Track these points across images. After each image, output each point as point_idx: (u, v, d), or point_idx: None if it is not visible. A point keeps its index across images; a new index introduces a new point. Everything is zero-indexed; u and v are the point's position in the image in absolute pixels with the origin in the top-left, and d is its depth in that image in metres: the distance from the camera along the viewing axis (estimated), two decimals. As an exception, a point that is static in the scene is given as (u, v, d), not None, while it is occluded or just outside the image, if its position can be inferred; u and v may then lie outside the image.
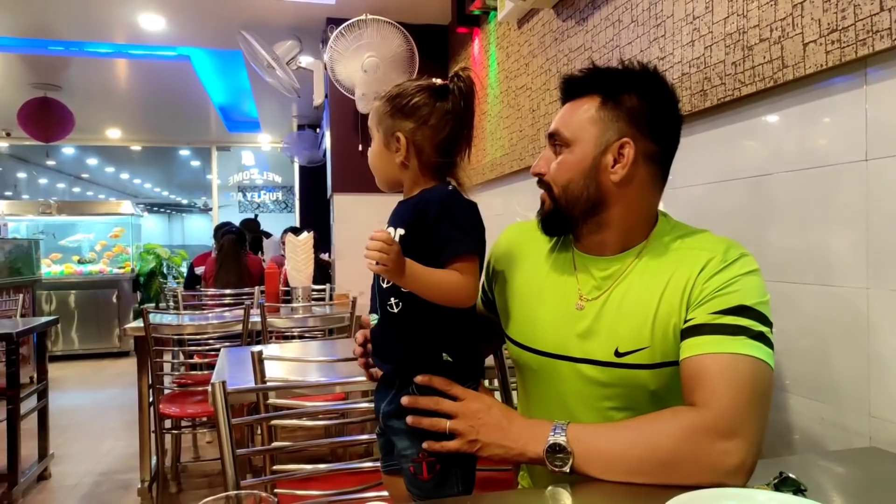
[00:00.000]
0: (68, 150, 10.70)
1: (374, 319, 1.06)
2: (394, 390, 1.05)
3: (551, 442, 0.91)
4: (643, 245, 1.06)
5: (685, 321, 0.97)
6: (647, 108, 1.03)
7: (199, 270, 5.06)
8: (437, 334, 1.03)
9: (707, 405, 0.88)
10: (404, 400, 1.01)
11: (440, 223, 1.01)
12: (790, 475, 0.84)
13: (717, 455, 0.85)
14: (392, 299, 1.02)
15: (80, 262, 7.55)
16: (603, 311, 1.03)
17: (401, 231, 1.03)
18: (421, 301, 1.00)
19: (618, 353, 1.01)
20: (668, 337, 0.99)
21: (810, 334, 1.31)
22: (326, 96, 4.25)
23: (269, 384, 1.60)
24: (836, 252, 1.24)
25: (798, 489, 0.83)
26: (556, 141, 1.07)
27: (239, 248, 4.52)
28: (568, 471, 0.89)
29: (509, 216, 3.07)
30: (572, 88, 1.08)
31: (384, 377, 1.09)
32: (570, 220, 1.07)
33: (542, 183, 1.10)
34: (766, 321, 0.94)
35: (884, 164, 1.14)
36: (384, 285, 1.03)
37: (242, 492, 0.61)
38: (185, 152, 11.59)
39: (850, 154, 1.20)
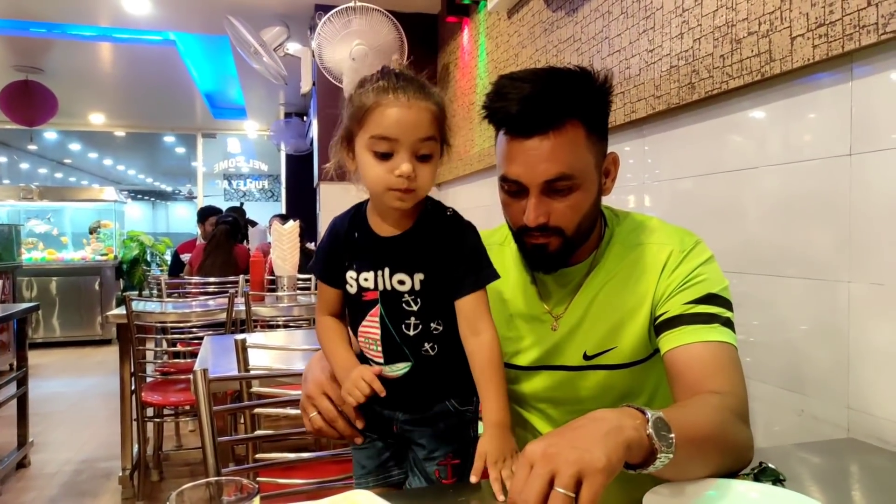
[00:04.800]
0: (50, 135, 10.54)
1: (400, 369, 0.93)
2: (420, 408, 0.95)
3: (654, 416, 0.71)
4: (598, 248, 1.06)
5: (658, 315, 0.99)
6: (606, 112, 1.01)
7: (185, 257, 5.02)
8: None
9: (732, 393, 0.88)
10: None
11: (477, 247, 0.93)
12: (769, 465, 0.85)
13: (749, 440, 0.87)
14: (426, 344, 0.92)
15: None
16: (571, 320, 1.05)
17: (419, 276, 0.91)
18: (455, 334, 0.92)
19: (586, 357, 1.04)
20: (636, 335, 1.01)
21: (791, 327, 1.32)
22: (314, 84, 4.21)
23: (251, 372, 1.59)
24: (818, 246, 1.26)
25: (777, 479, 0.83)
26: (561, 186, 0.95)
27: (231, 239, 4.48)
28: (672, 456, 0.70)
29: (497, 206, 3.06)
30: (545, 117, 0.93)
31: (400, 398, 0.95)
32: (576, 249, 1.03)
33: (547, 231, 0.98)
34: (730, 306, 0.97)
35: (867, 158, 1.15)
36: (410, 333, 0.92)
37: (223, 478, 0.60)
38: (169, 139, 11.45)
39: (834, 148, 1.21)
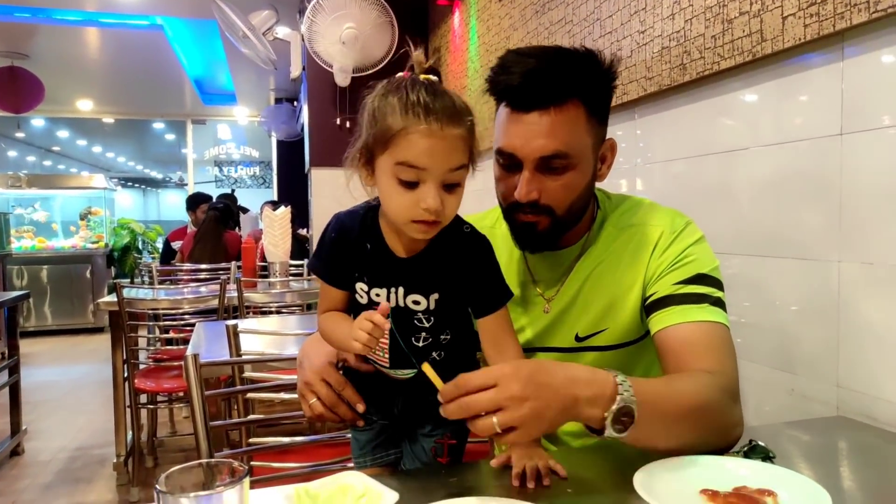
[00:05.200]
0: (38, 123, 10.42)
1: (405, 375, 0.93)
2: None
3: (619, 406, 0.74)
4: (590, 231, 1.06)
5: (648, 296, 0.99)
6: (609, 97, 1.01)
7: (176, 245, 5.00)
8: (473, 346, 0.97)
9: (720, 372, 0.89)
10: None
11: (495, 265, 0.90)
12: (759, 443, 0.86)
13: (735, 418, 0.88)
14: (434, 353, 0.91)
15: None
16: (562, 302, 1.05)
17: (435, 296, 0.88)
18: (459, 336, 0.92)
19: (578, 338, 1.04)
20: (627, 316, 1.02)
21: (782, 307, 1.33)
22: (304, 68, 4.17)
23: (243, 357, 1.58)
24: (809, 226, 1.26)
25: (767, 456, 0.84)
26: (557, 164, 0.94)
27: (220, 225, 4.45)
28: (623, 437, 0.76)
29: (488, 191, 3.05)
30: (547, 92, 0.93)
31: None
32: (565, 230, 1.03)
33: (537, 208, 0.97)
34: (721, 286, 0.98)
35: (858, 138, 1.15)
36: (420, 345, 0.90)
37: (213, 460, 0.60)
38: (159, 125, 11.35)
39: (825, 128, 1.21)
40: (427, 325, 0.89)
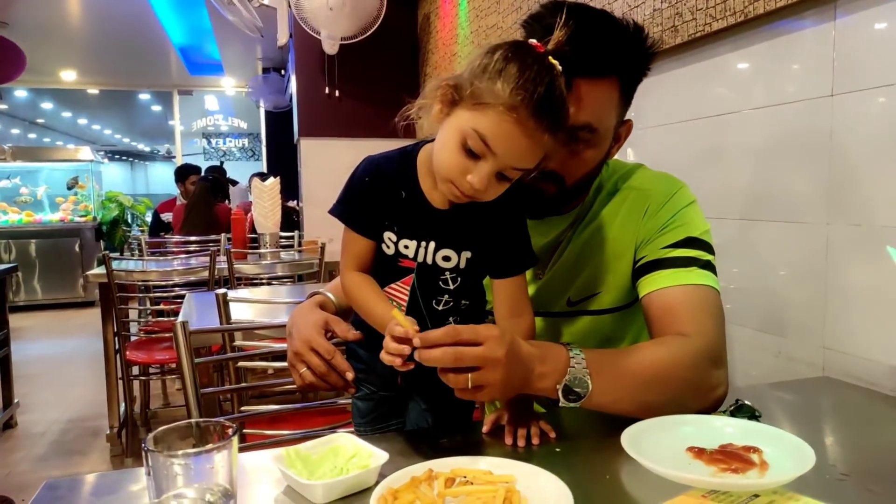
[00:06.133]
0: (21, 94, 10.23)
1: None
2: None
3: (566, 379, 0.79)
4: (586, 198, 1.05)
5: (637, 260, 0.99)
6: (641, 79, 0.98)
7: (165, 217, 4.97)
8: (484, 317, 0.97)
9: (699, 334, 0.88)
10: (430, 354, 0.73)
11: (525, 226, 0.89)
12: (745, 402, 0.87)
13: (714, 381, 0.88)
14: (451, 318, 0.89)
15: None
16: (556, 268, 1.05)
17: (467, 254, 0.86)
18: (476, 304, 0.92)
19: (570, 303, 1.04)
20: (619, 281, 1.01)
21: (771, 271, 1.34)
22: (291, 36, 4.10)
23: (232, 325, 1.58)
24: (799, 189, 1.26)
25: (753, 415, 0.85)
26: (581, 136, 0.91)
27: (210, 195, 4.43)
28: (576, 406, 0.81)
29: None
30: (594, 61, 0.89)
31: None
32: (569, 200, 1.02)
33: (548, 176, 0.93)
34: (711, 249, 0.97)
35: (848, 98, 1.14)
36: (439, 308, 0.88)
37: (202, 419, 0.60)
38: (145, 96, 11.18)
39: (816, 90, 1.20)
40: (452, 286, 0.87)
